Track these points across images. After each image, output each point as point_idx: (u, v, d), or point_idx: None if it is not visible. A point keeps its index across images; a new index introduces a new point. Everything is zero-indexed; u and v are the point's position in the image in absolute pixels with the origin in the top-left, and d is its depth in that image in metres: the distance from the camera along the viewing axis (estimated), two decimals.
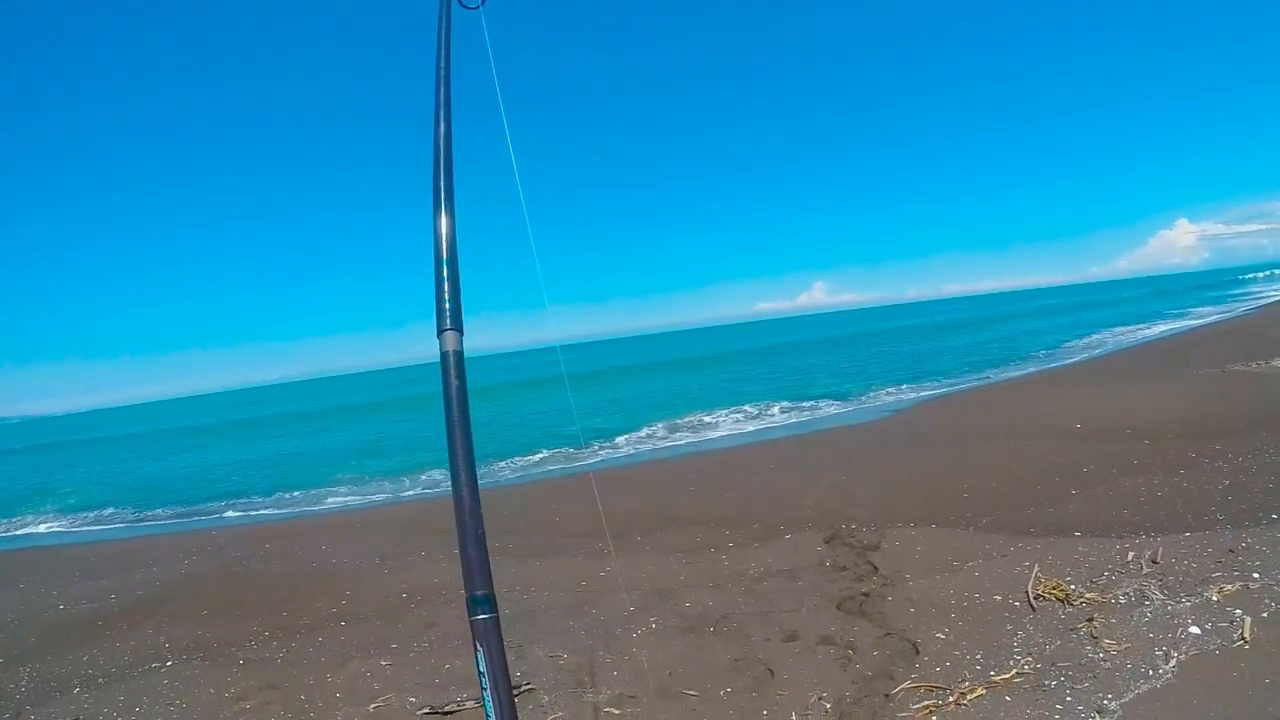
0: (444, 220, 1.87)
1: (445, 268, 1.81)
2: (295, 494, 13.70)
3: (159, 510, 13.81)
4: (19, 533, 13.58)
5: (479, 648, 1.53)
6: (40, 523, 14.28)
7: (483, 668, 1.53)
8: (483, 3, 2.32)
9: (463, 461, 1.64)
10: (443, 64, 2.10)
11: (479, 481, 1.67)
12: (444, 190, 1.91)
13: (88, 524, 13.55)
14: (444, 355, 1.72)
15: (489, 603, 1.56)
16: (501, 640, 1.55)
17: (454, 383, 1.69)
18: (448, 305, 1.76)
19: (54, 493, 18.52)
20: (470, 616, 1.55)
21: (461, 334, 1.75)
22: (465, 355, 1.74)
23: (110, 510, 14.52)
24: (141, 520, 13.18)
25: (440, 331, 1.74)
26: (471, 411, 1.69)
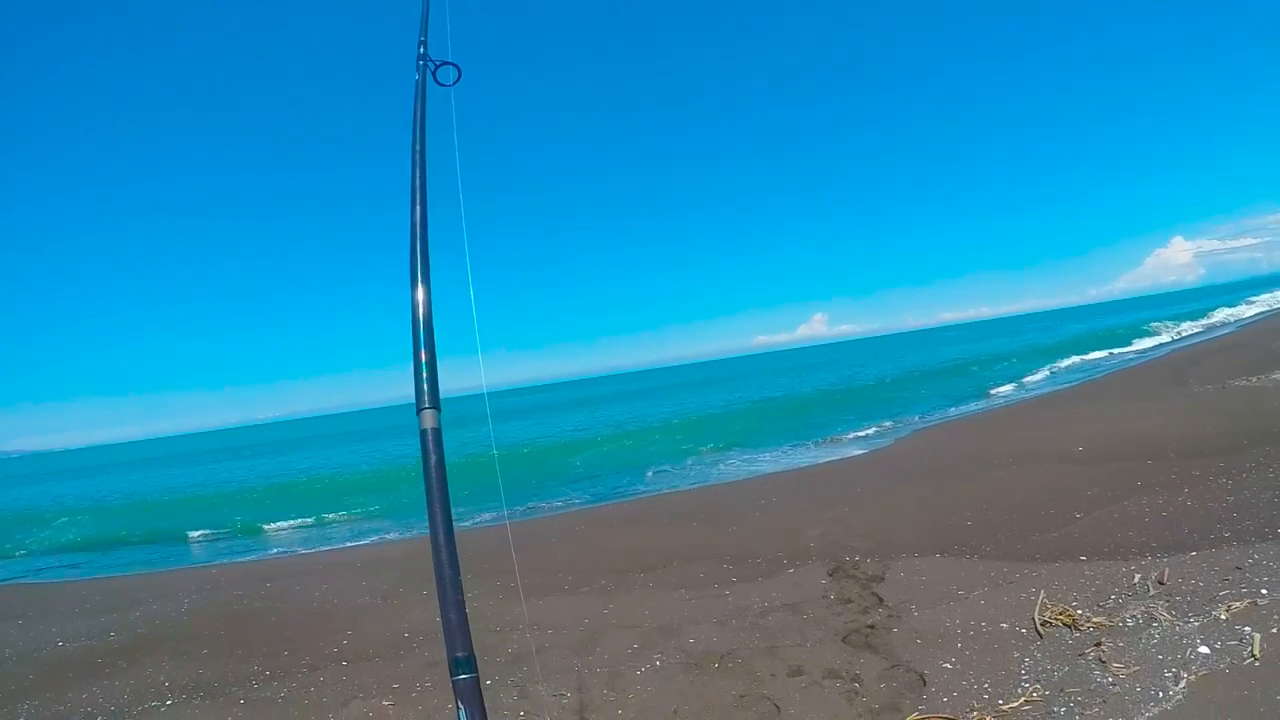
0: (420, 298, 1.91)
1: (423, 349, 1.85)
2: (294, 532, 13.60)
3: (156, 546, 13.73)
4: (17, 567, 13.50)
5: (461, 707, 1.62)
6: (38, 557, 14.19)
7: None
8: (456, 81, 2.39)
9: (442, 530, 1.71)
10: (418, 145, 2.15)
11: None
12: (420, 270, 1.95)
13: (88, 559, 13.47)
14: (423, 433, 1.77)
15: (469, 663, 1.65)
16: (482, 698, 1.65)
17: (432, 458, 1.75)
18: (426, 385, 1.80)
19: (51, 526, 18.46)
20: (452, 677, 1.64)
21: (439, 411, 1.80)
22: (443, 431, 1.80)
23: (109, 546, 14.45)
24: (139, 555, 13.11)
25: (419, 410, 1.79)
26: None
